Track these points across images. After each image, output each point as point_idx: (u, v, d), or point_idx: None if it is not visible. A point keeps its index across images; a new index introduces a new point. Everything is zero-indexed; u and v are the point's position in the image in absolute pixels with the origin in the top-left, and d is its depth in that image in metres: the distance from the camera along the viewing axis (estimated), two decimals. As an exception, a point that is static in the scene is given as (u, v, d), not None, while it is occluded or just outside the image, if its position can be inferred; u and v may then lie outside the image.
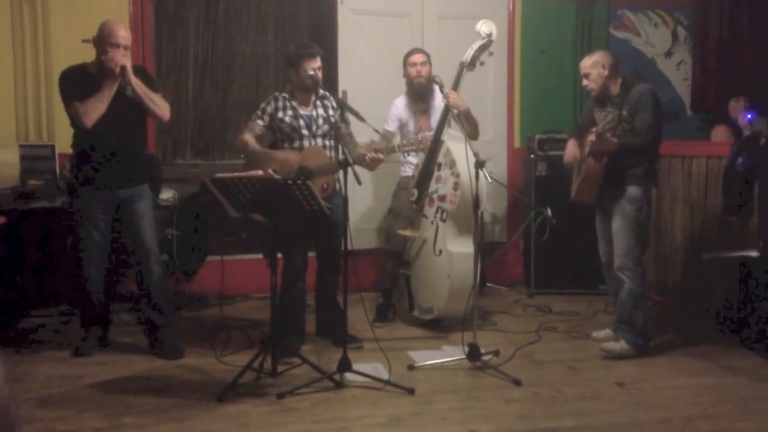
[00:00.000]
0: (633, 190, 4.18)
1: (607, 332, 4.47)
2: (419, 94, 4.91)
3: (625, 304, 4.26)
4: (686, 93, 6.32)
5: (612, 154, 4.14)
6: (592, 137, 4.17)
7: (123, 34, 3.98)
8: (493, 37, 4.65)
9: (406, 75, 4.94)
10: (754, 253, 4.29)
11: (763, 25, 5.96)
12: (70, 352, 4.23)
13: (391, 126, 4.94)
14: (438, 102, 4.81)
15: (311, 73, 4.15)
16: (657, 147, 4.28)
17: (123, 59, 3.94)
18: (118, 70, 3.92)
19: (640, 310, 4.22)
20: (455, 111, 4.54)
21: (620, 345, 4.24)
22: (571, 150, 4.43)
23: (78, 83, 4.01)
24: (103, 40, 3.96)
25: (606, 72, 4.21)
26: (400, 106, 4.97)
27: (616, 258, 4.26)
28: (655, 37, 6.29)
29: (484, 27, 4.62)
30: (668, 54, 6.31)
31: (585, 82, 4.30)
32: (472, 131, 4.65)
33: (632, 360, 4.17)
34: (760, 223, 4.37)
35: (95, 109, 3.94)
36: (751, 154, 4.48)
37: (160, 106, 4.12)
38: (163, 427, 3.28)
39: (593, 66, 4.24)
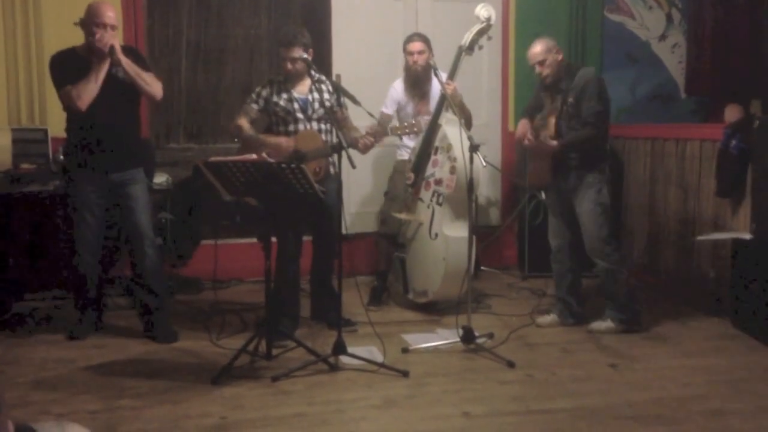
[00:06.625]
0: (588, 177, 4.24)
1: (552, 317, 4.51)
2: (416, 81, 4.90)
3: (605, 283, 4.37)
4: (680, 76, 6.31)
5: (561, 149, 4.24)
6: (544, 132, 4.27)
7: (110, 14, 3.95)
8: (492, 22, 4.64)
9: (404, 60, 4.92)
10: (746, 236, 4.31)
11: (758, 8, 5.95)
12: (65, 335, 4.24)
13: (389, 109, 4.93)
14: (436, 87, 4.80)
15: (293, 57, 4.13)
16: (606, 128, 4.29)
17: (111, 39, 3.92)
18: (107, 50, 3.90)
19: (619, 286, 4.31)
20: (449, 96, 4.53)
21: (606, 324, 4.33)
22: (522, 130, 4.47)
23: (68, 67, 3.98)
24: (90, 21, 3.94)
25: (560, 56, 4.25)
26: (399, 89, 4.95)
27: (586, 243, 4.33)
28: (649, 20, 6.26)
29: (483, 11, 4.61)
30: (663, 37, 6.29)
31: (539, 69, 4.30)
32: (465, 121, 4.66)
33: (624, 341, 4.20)
34: (753, 205, 4.39)
35: (88, 91, 3.92)
36: (745, 136, 4.49)
37: (152, 84, 4.09)
38: (158, 409, 3.29)
39: (547, 52, 4.25)
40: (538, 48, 4.28)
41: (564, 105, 4.23)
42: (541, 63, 4.27)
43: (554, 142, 4.24)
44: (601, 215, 4.26)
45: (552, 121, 4.29)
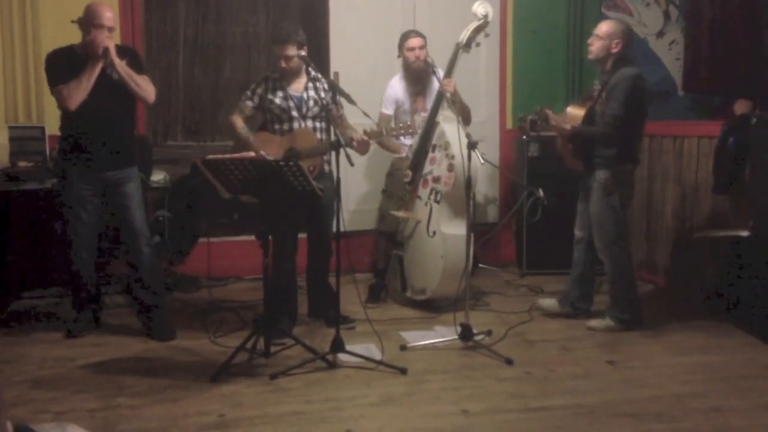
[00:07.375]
0: (602, 174, 4.24)
1: (552, 302, 4.58)
2: (417, 77, 4.89)
3: (609, 282, 4.40)
4: (678, 73, 6.31)
5: (571, 135, 4.26)
6: (556, 116, 4.33)
7: (108, 16, 3.96)
8: (489, 19, 4.63)
9: (402, 57, 4.91)
10: (744, 233, 4.32)
11: (756, 5, 5.95)
12: (63, 333, 4.23)
13: (389, 109, 4.92)
14: (434, 83, 4.79)
15: (287, 55, 4.12)
16: (635, 131, 4.25)
17: (106, 40, 3.92)
18: (100, 51, 3.90)
19: (621, 288, 4.33)
20: (448, 95, 4.53)
21: (605, 321, 4.35)
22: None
23: (64, 65, 3.98)
24: (87, 22, 3.94)
25: (617, 49, 4.21)
26: (396, 88, 4.94)
27: (595, 242, 4.35)
28: (647, 17, 6.26)
29: (480, 8, 4.61)
30: (660, 34, 6.28)
31: (590, 41, 4.30)
32: (464, 117, 4.66)
33: (623, 339, 4.21)
34: (751, 202, 4.39)
35: (78, 91, 3.93)
36: (742, 134, 4.49)
37: (144, 88, 4.09)
38: (156, 407, 3.29)
39: (609, 36, 4.22)
40: (605, 27, 4.26)
41: (598, 99, 4.24)
42: (598, 38, 4.25)
43: (568, 126, 4.25)
44: (609, 217, 4.24)
45: (582, 111, 4.29)
